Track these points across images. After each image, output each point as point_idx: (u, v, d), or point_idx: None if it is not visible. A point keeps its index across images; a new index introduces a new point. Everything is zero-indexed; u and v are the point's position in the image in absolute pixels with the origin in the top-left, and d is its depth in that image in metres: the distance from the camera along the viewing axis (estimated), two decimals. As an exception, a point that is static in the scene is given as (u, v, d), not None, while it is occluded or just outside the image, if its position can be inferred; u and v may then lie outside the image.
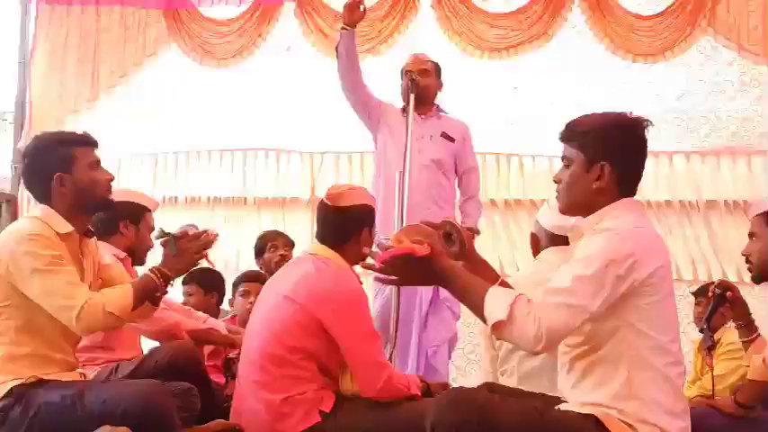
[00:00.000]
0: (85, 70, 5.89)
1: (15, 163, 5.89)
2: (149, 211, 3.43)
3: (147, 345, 3.42)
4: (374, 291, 4.11)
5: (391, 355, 3.54)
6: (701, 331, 3.37)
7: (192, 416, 2.85)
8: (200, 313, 3.68)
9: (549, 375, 2.48)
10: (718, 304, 2.98)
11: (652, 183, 5.46)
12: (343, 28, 4.09)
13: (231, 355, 3.68)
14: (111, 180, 2.73)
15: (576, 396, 2.13)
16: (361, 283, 2.86)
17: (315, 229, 3.00)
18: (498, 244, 5.71)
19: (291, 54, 5.94)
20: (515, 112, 5.77)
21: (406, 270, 2.06)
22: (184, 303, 4.04)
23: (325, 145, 5.94)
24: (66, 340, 2.62)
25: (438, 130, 4.22)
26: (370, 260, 2.28)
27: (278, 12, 5.77)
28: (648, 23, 5.38)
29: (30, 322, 2.53)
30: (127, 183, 5.99)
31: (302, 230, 5.26)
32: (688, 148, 5.64)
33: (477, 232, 4.17)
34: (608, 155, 2.15)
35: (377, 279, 2.16)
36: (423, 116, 4.20)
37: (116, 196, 2.79)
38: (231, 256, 5.69)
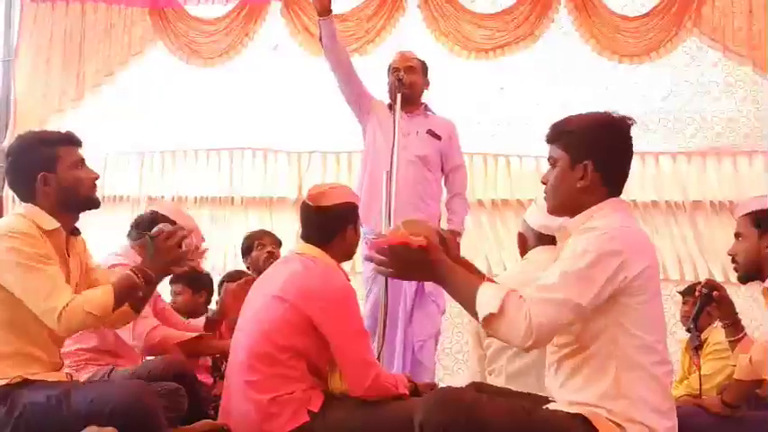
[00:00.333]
0: (71, 68, 5.87)
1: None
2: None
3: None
4: (365, 289, 4.12)
5: (380, 354, 3.53)
6: (689, 331, 3.38)
7: (178, 416, 2.85)
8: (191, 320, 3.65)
9: (538, 375, 2.49)
10: (705, 304, 2.99)
11: (638, 183, 5.48)
12: (319, 20, 4.10)
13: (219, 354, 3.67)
14: (96, 179, 2.72)
15: (564, 395, 2.13)
16: (350, 281, 2.85)
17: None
18: (485, 244, 5.71)
19: (278, 53, 5.93)
20: (502, 113, 5.76)
21: (401, 261, 2.05)
22: (172, 303, 4.03)
23: (313, 144, 5.93)
24: (51, 339, 2.60)
25: (424, 127, 4.23)
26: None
27: (265, 11, 5.78)
28: (634, 24, 5.41)
29: (14, 319, 2.51)
30: (113, 182, 5.98)
31: (289, 230, 5.23)
32: (674, 148, 5.65)
33: (460, 234, 4.19)
34: (591, 154, 2.16)
35: (374, 269, 2.14)
36: (409, 114, 4.20)
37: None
38: (218, 256, 5.67)
